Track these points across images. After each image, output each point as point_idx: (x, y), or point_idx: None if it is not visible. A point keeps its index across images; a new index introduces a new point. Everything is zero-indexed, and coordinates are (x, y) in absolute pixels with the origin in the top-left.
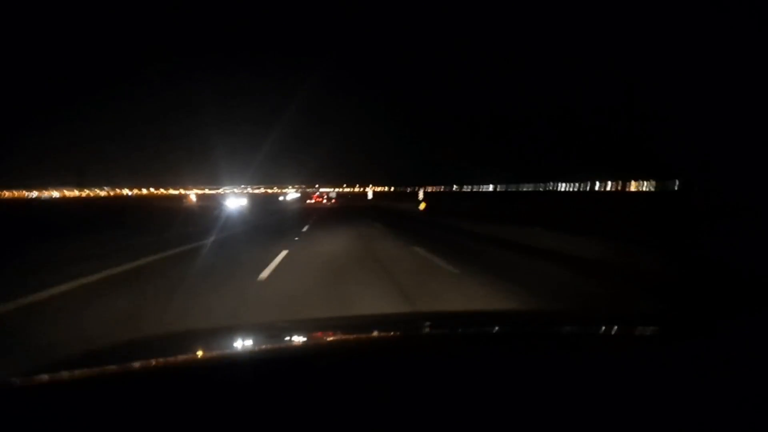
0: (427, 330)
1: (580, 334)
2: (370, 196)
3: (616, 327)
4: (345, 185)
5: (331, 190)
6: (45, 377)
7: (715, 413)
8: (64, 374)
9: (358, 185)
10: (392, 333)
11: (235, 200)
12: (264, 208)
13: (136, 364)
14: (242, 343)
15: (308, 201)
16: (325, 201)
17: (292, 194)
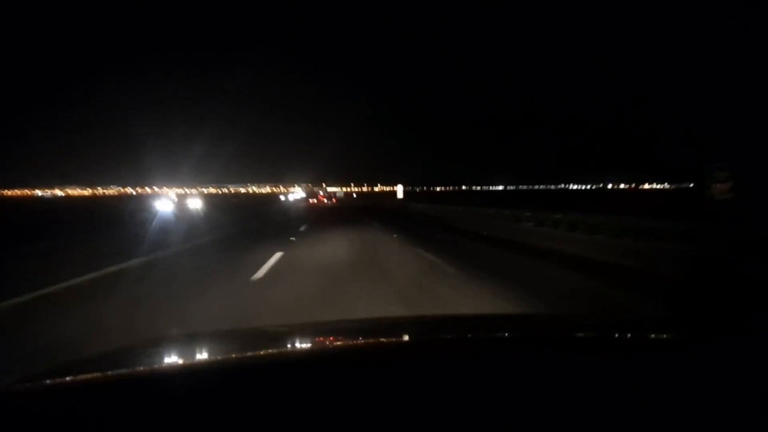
0: (431, 333)
1: (587, 338)
2: (400, 195)
3: (623, 331)
4: (352, 184)
5: (338, 189)
6: (45, 384)
7: (724, 418)
8: (64, 380)
9: (366, 185)
10: (396, 337)
11: (167, 203)
12: (228, 218)
13: (134, 370)
14: (242, 348)
15: (311, 200)
16: (326, 201)
17: (297, 194)
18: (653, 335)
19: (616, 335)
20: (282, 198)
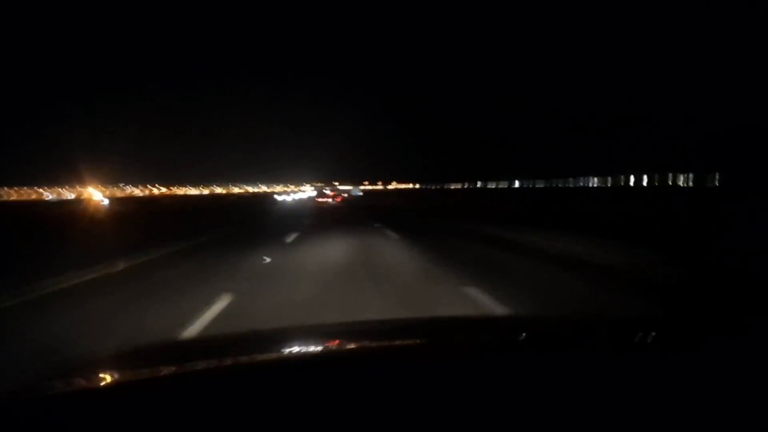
0: (433, 336)
1: (585, 340)
2: None
3: (618, 332)
4: (366, 182)
5: (351, 187)
6: (51, 386)
7: (716, 418)
8: (68, 385)
9: (380, 182)
10: (399, 340)
11: None
12: None
13: (141, 373)
14: (248, 351)
15: (319, 199)
16: (330, 201)
17: (305, 192)
18: (652, 336)
19: (614, 336)
20: (279, 198)
